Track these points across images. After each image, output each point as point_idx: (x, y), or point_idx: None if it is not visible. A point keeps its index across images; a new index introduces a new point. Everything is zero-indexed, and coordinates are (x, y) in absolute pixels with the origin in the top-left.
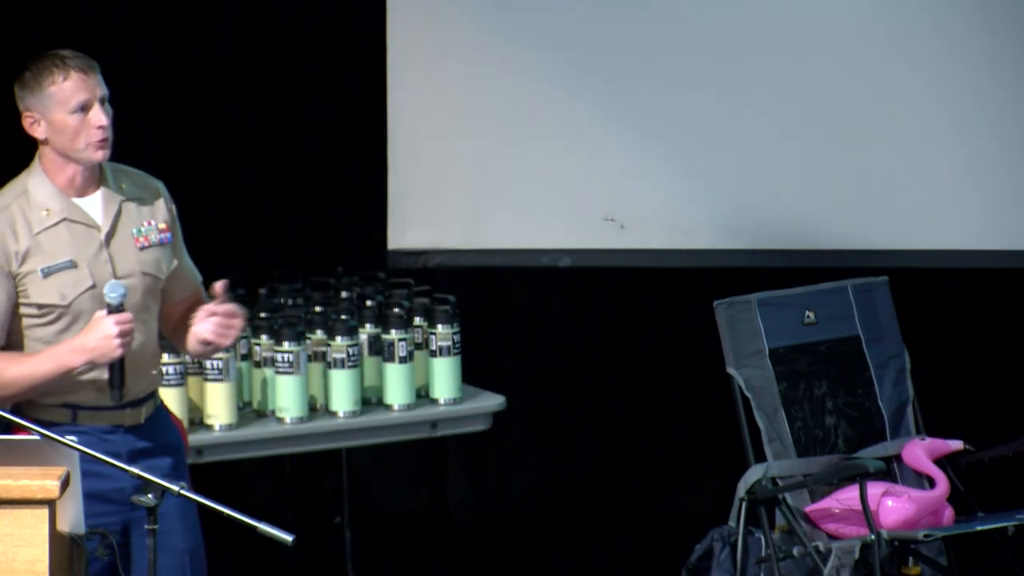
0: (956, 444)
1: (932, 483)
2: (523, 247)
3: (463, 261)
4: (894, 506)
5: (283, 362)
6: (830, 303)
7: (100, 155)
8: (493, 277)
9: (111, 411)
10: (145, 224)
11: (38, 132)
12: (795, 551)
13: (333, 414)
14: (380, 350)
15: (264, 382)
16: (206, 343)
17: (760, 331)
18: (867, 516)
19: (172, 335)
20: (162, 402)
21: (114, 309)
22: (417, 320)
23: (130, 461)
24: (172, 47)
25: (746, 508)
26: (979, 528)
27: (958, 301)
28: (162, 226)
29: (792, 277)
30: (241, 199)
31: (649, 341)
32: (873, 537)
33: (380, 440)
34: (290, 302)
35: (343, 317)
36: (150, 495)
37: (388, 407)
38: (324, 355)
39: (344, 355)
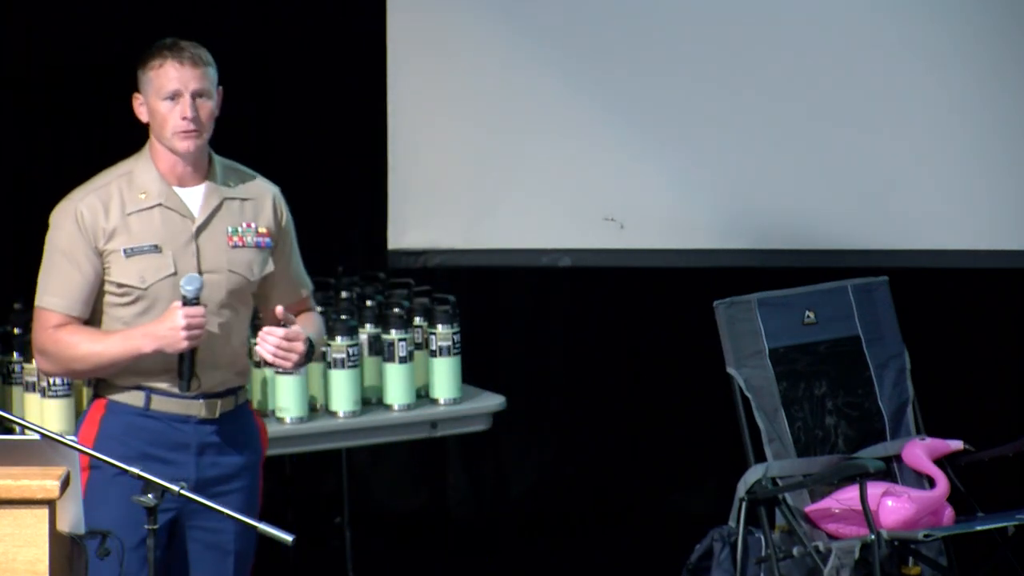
0: (956, 444)
1: (932, 483)
2: (523, 247)
3: (463, 261)
4: (894, 506)
5: None
6: (830, 303)
7: (184, 146)
8: (493, 277)
9: (185, 400)
10: (244, 225)
11: (143, 115)
12: (795, 551)
13: (333, 414)
14: (380, 350)
15: (264, 382)
16: (266, 363)
17: (760, 331)
18: (867, 516)
19: None
20: (247, 402)
21: (188, 302)
22: (417, 320)
23: (198, 454)
24: None
25: (746, 508)
26: (979, 528)
27: (958, 301)
28: (263, 230)
29: (792, 277)
30: None
31: (649, 341)
32: (873, 537)
33: (380, 440)
34: None
35: (343, 317)
36: (150, 495)
37: (388, 407)
38: (324, 355)
39: (344, 355)
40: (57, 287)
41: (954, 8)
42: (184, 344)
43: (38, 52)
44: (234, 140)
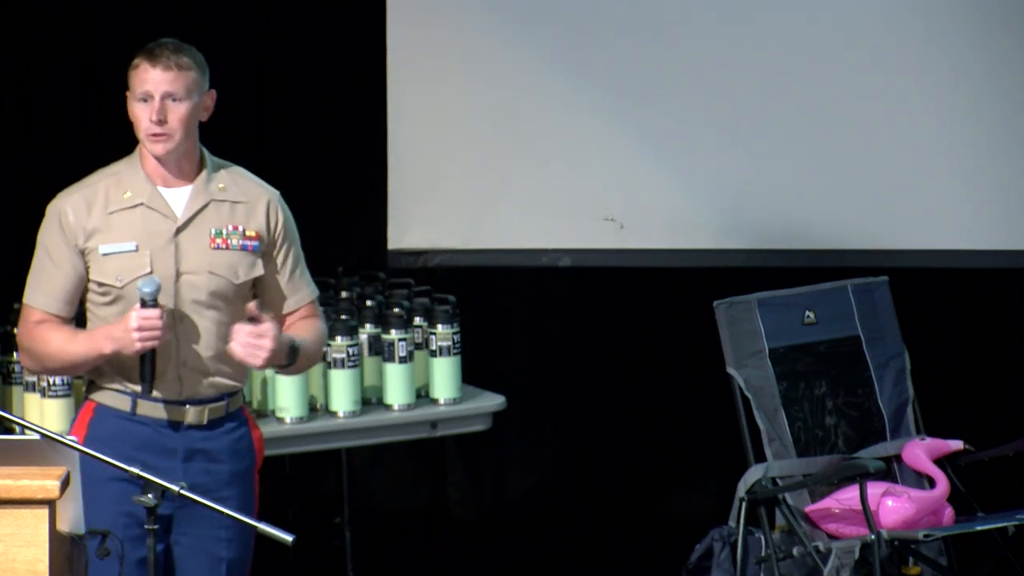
0: (956, 444)
1: (932, 483)
2: (523, 247)
3: (463, 261)
4: (894, 506)
5: None
6: (830, 303)
7: (154, 149)
8: (493, 277)
9: (170, 405)
10: (229, 227)
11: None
12: (795, 551)
13: (333, 414)
14: (380, 350)
15: (264, 382)
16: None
17: (760, 331)
18: (867, 516)
19: None
20: (242, 408)
21: (146, 304)
22: (417, 320)
23: (185, 460)
24: None
25: (746, 508)
26: (979, 528)
27: (958, 301)
28: (251, 233)
29: (792, 277)
30: None
31: (649, 341)
32: (873, 537)
33: (380, 440)
34: None
35: (343, 317)
36: (150, 495)
37: (388, 407)
38: (324, 355)
39: (344, 355)
40: (40, 284)
41: (954, 8)
42: (137, 346)
43: (38, 52)
44: (235, 141)
